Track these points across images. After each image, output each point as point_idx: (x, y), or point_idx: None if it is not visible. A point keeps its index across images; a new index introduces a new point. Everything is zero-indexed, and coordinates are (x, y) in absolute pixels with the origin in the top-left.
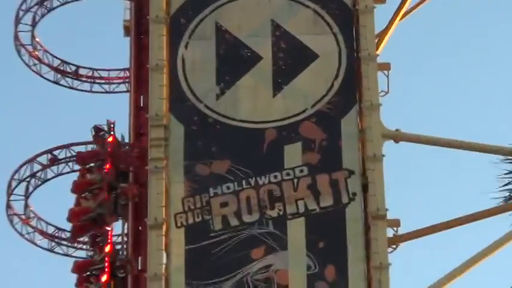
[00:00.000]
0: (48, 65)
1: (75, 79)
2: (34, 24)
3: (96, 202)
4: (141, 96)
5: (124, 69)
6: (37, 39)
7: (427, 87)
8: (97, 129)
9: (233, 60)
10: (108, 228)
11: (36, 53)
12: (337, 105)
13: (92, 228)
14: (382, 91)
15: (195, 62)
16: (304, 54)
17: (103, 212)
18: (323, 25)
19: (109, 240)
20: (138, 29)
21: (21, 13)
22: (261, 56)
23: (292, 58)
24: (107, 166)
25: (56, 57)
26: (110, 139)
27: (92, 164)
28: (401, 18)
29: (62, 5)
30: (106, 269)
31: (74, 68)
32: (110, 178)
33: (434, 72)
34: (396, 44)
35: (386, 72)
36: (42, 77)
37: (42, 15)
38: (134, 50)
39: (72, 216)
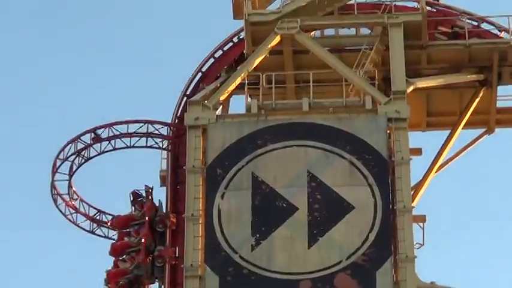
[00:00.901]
0: (85, 215)
1: (111, 229)
2: (71, 174)
3: (133, 264)
4: (177, 248)
5: None
6: (74, 189)
7: (462, 239)
8: (135, 195)
9: (269, 211)
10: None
11: (73, 202)
12: (372, 257)
13: None
14: (417, 243)
15: (231, 213)
16: (339, 205)
17: (140, 274)
18: (359, 176)
19: None
20: (174, 179)
21: (58, 162)
22: (296, 207)
23: (327, 209)
24: (145, 229)
25: (92, 207)
26: (148, 203)
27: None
28: (436, 171)
29: (99, 154)
30: None
31: (110, 217)
32: (146, 241)
33: (470, 224)
34: (432, 197)
35: (421, 224)
36: (78, 226)
37: (80, 165)
38: (170, 200)
39: (110, 278)
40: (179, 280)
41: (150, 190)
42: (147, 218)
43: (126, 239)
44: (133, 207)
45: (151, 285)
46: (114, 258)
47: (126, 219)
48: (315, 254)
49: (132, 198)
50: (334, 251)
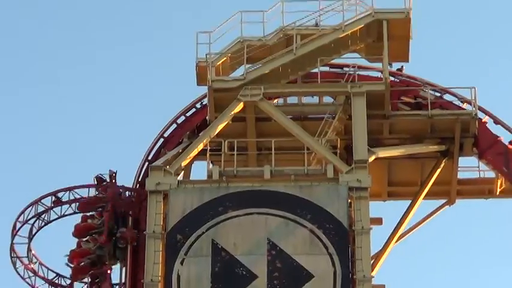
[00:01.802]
0: (43, 278)
1: None
2: (31, 237)
3: (95, 245)
4: None
5: (120, 284)
6: (33, 252)
7: None
8: (99, 179)
9: (228, 278)
10: (108, 270)
11: (32, 265)
12: None
13: (91, 269)
14: None
15: (190, 279)
16: (299, 274)
17: (102, 254)
18: (319, 245)
19: (108, 280)
20: (133, 245)
21: (18, 225)
22: (256, 275)
23: (287, 278)
24: (107, 211)
25: (51, 270)
26: (111, 187)
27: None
28: (397, 241)
29: (59, 217)
30: None
31: (68, 281)
32: (109, 222)
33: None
34: (391, 266)
35: None
36: None
37: (39, 228)
38: (130, 265)
39: (73, 257)
40: (140, 262)
41: (114, 174)
42: (110, 201)
43: (89, 221)
44: (97, 191)
45: (113, 266)
46: (77, 240)
47: (89, 201)
48: None
49: (96, 183)
50: None
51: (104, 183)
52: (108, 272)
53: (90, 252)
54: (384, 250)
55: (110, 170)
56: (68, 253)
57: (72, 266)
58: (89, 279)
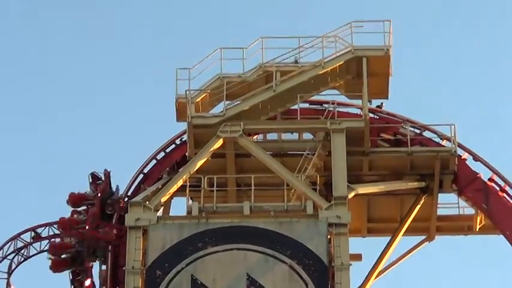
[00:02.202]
0: None
1: None
2: (10, 272)
3: (76, 239)
4: None
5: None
6: (12, 287)
7: None
8: (94, 177)
9: None
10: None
11: None
12: None
13: (71, 265)
14: None
15: None
16: None
17: (82, 250)
18: (299, 281)
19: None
20: (114, 279)
21: None
22: None
23: None
24: (95, 207)
25: None
26: (103, 185)
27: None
28: (376, 277)
29: (39, 253)
30: None
31: None
32: (93, 219)
33: None
34: None
35: None
36: None
37: (19, 263)
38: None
39: (52, 249)
40: (120, 263)
41: (108, 173)
42: (98, 197)
43: (76, 216)
44: (90, 188)
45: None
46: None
47: (79, 197)
48: None
49: (91, 180)
50: None
51: (99, 181)
52: (90, 266)
53: (70, 246)
54: (364, 286)
55: (104, 170)
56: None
57: (52, 258)
58: (71, 276)
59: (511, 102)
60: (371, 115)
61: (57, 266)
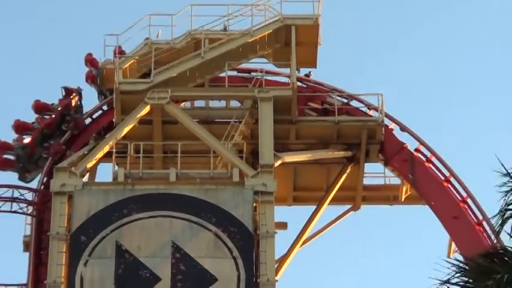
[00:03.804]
0: None
1: None
2: None
3: (19, 143)
4: None
5: (22, 285)
6: None
7: None
8: (68, 91)
9: (132, 280)
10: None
11: None
12: None
13: (12, 167)
14: None
15: (94, 281)
16: (203, 277)
17: (21, 155)
18: (223, 249)
19: None
20: (37, 245)
21: None
22: (159, 277)
23: (190, 281)
24: (51, 119)
25: None
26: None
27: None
28: (301, 245)
29: None
30: None
31: None
32: (43, 128)
33: None
34: (296, 271)
35: None
36: None
37: None
38: (32, 266)
39: None
40: (45, 228)
41: (80, 91)
42: (59, 110)
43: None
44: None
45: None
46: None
47: (44, 106)
48: None
49: (64, 93)
50: None
51: (74, 94)
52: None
53: (12, 147)
54: (288, 254)
55: (78, 87)
56: None
57: None
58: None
59: (438, 73)
60: (299, 84)
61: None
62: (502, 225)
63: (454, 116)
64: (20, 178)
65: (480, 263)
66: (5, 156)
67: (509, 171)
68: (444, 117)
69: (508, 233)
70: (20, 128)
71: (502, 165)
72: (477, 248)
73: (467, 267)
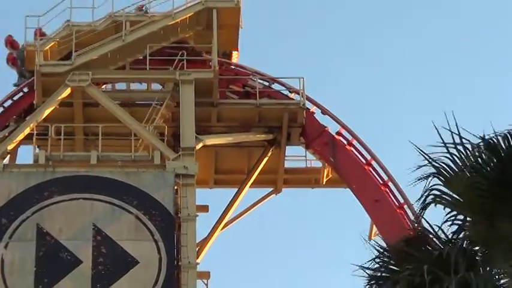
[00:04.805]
0: None
1: None
2: None
3: None
4: None
5: None
6: None
7: None
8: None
9: (53, 262)
10: None
11: None
12: None
13: None
14: None
15: (14, 263)
16: (124, 260)
17: None
18: (145, 231)
19: None
20: None
21: None
22: (80, 260)
23: (112, 263)
24: None
25: None
26: None
27: None
28: (222, 228)
29: None
30: None
31: None
32: None
33: (253, 281)
34: (217, 253)
35: (205, 280)
36: None
37: None
38: None
39: None
40: None
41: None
42: None
43: None
44: None
45: None
46: None
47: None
48: None
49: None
50: None
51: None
52: None
53: None
54: (210, 237)
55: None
56: None
57: None
58: None
59: (359, 58)
60: (220, 67)
61: None
62: (423, 210)
63: (376, 99)
64: None
65: (401, 248)
66: None
67: (430, 155)
68: (365, 100)
69: (426, 221)
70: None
71: (422, 151)
72: (398, 231)
73: (387, 253)
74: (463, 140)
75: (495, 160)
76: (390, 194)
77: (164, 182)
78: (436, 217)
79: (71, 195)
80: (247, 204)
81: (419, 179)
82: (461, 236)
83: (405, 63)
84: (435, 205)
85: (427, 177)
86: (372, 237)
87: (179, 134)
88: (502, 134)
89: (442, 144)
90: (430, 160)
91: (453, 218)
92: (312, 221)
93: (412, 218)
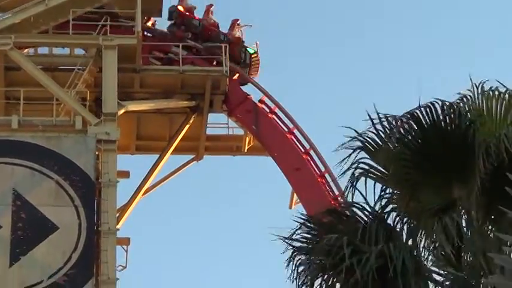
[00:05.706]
0: None
1: None
2: None
3: None
4: None
5: None
6: None
7: (165, 262)
8: None
9: None
10: None
11: None
12: (74, 278)
13: None
14: (120, 265)
15: None
16: (44, 225)
17: None
18: (65, 197)
19: None
20: None
21: None
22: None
23: (31, 229)
24: None
25: None
26: None
27: None
28: (143, 194)
29: None
30: None
31: None
32: None
33: (173, 248)
34: (137, 220)
35: (125, 246)
36: None
37: None
38: None
39: None
40: None
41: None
42: None
43: None
44: None
45: None
46: None
47: None
48: (16, 273)
49: None
50: (35, 270)
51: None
52: None
53: None
54: (130, 203)
55: None
56: None
57: None
58: None
59: (284, 23)
60: (144, 33)
61: None
62: (352, 184)
63: (301, 67)
64: None
65: (322, 218)
66: None
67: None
68: (290, 68)
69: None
70: None
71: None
72: (318, 200)
73: (309, 223)
74: (388, 114)
75: (418, 131)
76: (312, 162)
77: (85, 147)
78: (362, 190)
79: None
80: (168, 171)
81: (344, 150)
82: (388, 209)
83: (331, 29)
84: (364, 179)
85: (354, 151)
86: (293, 206)
87: (101, 100)
88: (425, 105)
89: (368, 119)
90: (356, 134)
91: (381, 191)
92: (233, 189)
93: (334, 186)
